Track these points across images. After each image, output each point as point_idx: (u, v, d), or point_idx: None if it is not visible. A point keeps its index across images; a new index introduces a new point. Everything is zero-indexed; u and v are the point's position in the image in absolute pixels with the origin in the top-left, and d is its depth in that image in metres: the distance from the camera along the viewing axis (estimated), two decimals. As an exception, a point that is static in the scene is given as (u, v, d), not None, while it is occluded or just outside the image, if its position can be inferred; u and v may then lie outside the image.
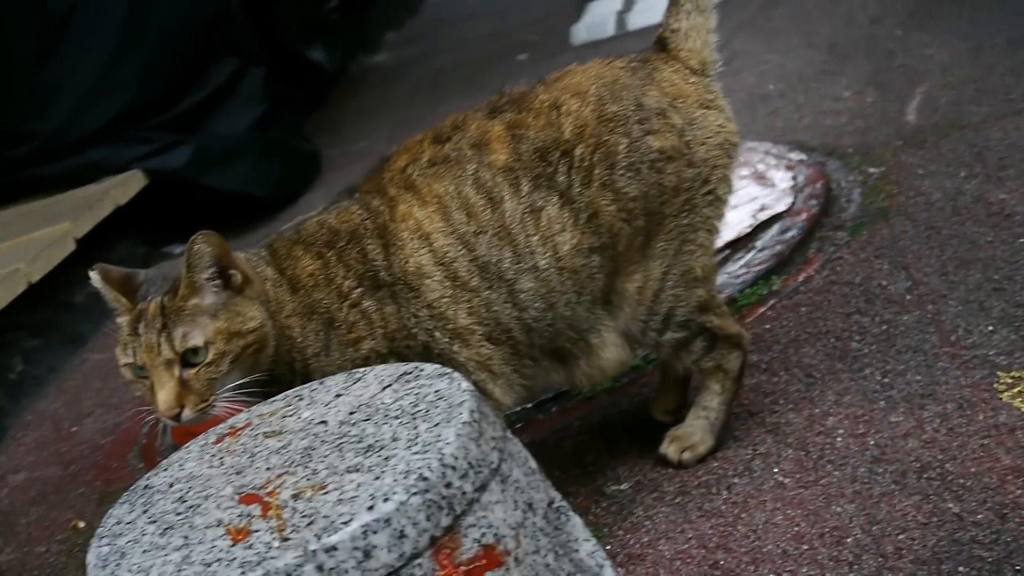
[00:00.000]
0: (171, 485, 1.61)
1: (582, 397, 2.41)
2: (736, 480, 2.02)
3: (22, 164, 4.01)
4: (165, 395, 1.78)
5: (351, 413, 1.61)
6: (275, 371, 1.86)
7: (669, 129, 1.88)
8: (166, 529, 1.51)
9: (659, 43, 2.00)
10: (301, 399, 1.70)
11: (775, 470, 2.02)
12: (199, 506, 1.53)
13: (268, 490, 1.51)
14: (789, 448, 2.06)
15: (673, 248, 1.89)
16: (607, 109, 1.90)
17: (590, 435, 2.31)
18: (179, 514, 1.53)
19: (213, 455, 1.64)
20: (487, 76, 5.12)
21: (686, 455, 2.05)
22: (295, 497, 1.46)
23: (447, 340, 1.89)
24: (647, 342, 1.97)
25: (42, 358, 3.42)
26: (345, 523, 1.38)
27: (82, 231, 3.55)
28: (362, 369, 1.72)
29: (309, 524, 1.40)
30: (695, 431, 2.04)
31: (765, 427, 2.11)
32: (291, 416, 1.66)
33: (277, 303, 1.87)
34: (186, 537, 1.47)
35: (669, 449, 2.07)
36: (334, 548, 1.36)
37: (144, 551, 1.47)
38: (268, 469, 1.55)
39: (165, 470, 1.65)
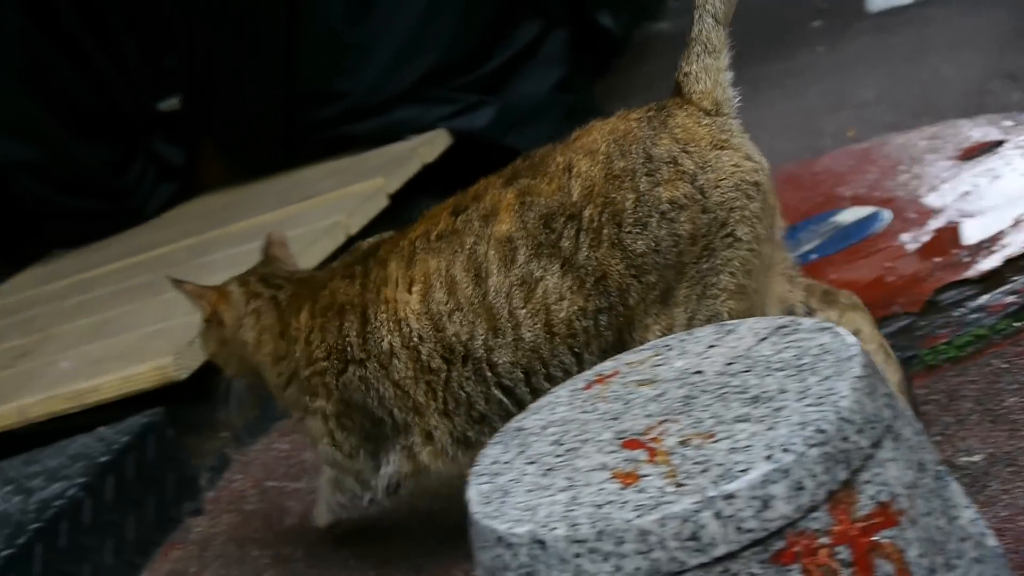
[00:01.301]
0: (544, 428, 1.62)
1: (925, 365, 2.33)
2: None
3: (334, 122, 4.12)
4: None
5: (728, 364, 1.59)
6: None
7: (680, 176, 1.83)
8: (547, 470, 1.51)
9: (676, 88, 1.95)
10: (670, 349, 1.68)
11: None
12: (578, 449, 1.53)
13: (651, 436, 1.50)
14: None
15: (696, 294, 1.85)
16: (615, 165, 1.87)
17: (936, 404, 2.23)
18: (558, 456, 1.54)
19: (584, 400, 1.65)
20: (780, 43, 5.01)
21: None
22: (682, 444, 1.45)
23: (403, 416, 2.04)
24: None
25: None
26: (743, 471, 1.35)
27: (394, 187, 3.63)
28: (734, 321, 1.69)
29: (703, 471, 1.38)
30: None
31: None
32: (662, 365, 1.65)
33: (257, 343, 2.16)
34: (570, 479, 1.47)
35: None
36: (732, 496, 1.34)
37: (528, 490, 1.48)
38: (647, 416, 1.54)
39: (535, 413, 1.67)
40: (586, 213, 1.88)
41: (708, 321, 1.84)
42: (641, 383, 1.63)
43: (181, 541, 2.60)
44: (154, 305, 3.21)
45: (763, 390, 1.50)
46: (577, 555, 1.38)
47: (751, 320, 1.68)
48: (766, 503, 1.34)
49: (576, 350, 1.93)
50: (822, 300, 1.99)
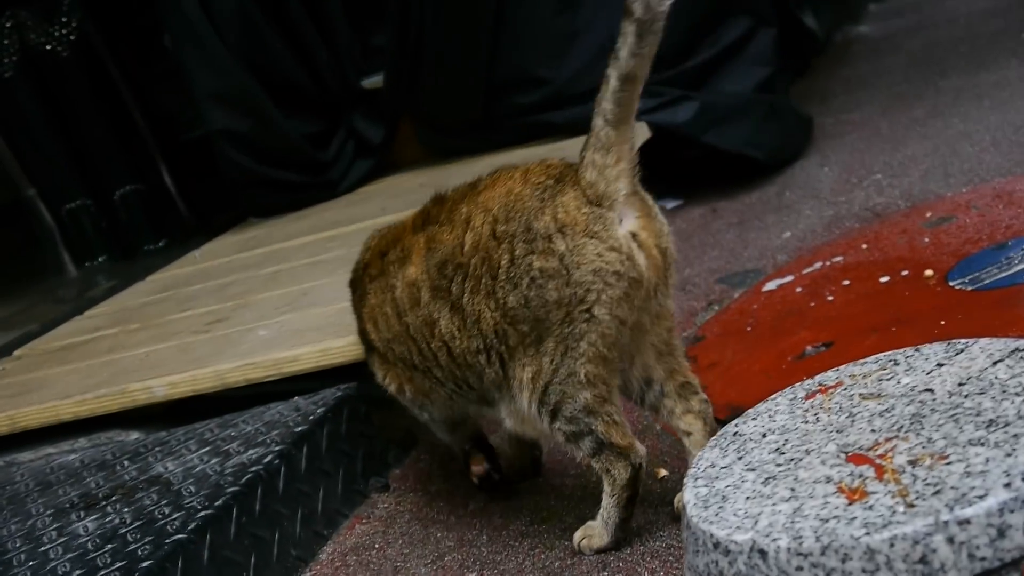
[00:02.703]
0: (764, 435, 1.60)
1: None
2: None
3: (534, 109, 4.14)
4: None
5: (960, 384, 1.54)
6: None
7: (551, 252, 1.98)
8: (767, 479, 1.49)
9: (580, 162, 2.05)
10: (896, 364, 1.64)
11: None
12: (800, 460, 1.51)
13: (878, 452, 1.46)
14: None
15: (560, 350, 2.00)
16: (499, 228, 2.04)
17: None
18: (779, 465, 1.51)
19: (806, 410, 1.62)
20: (989, 53, 4.87)
21: (583, 543, 2.15)
22: (912, 463, 1.41)
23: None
24: (543, 429, 2.10)
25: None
26: (979, 497, 1.31)
27: (591, 178, 3.61)
28: (964, 340, 1.64)
29: (935, 493, 1.34)
30: (596, 524, 2.15)
31: None
32: (888, 380, 1.61)
33: None
34: (792, 489, 1.45)
35: (576, 533, 2.17)
36: (967, 521, 1.30)
37: (747, 498, 1.46)
38: (873, 431, 1.51)
39: (754, 419, 1.64)
40: (472, 262, 2.08)
41: (569, 376, 2.01)
42: (866, 397, 1.60)
43: (367, 516, 2.63)
44: (351, 280, 3.26)
45: (999, 414, 1.45)
46: (799, 568, 1.35)
47: (984, 340, 1.63)
48: (1002, 532, 1.30)
49: (477, 375, 2.16)
50: (677, 390, 2.12)
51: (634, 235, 1.99)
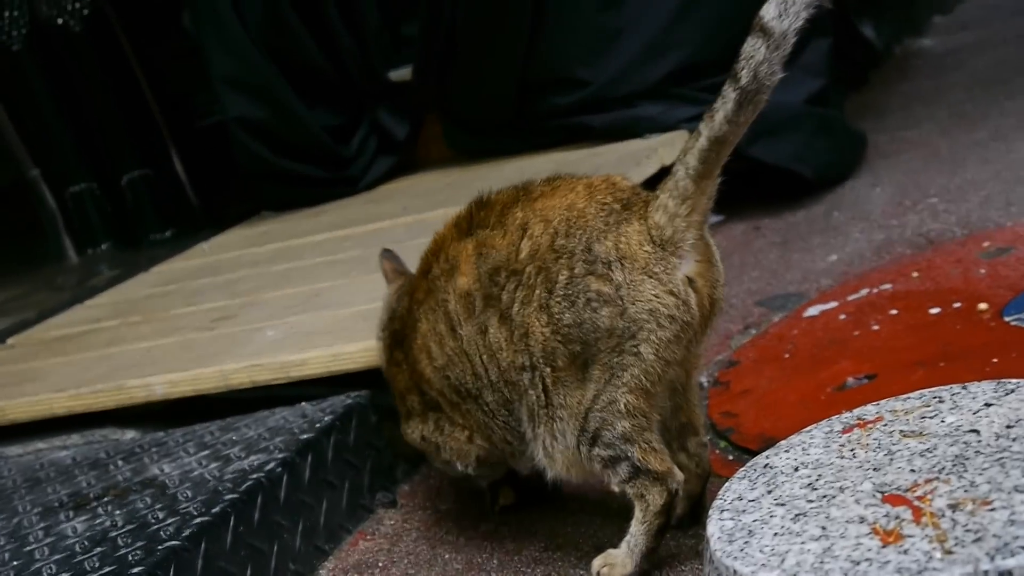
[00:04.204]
0: (796, 469, 1.61)
1: None
2: None
3: (571, 111, 4.15)
4: None
5: (1008, 427, 1.55)
6: None
7: (608, 281, 2.03)
8: (798, 515, 1.50)
9: (653, 193, 2.09)
10: (941, 401, 1.65)
11: None
12: (834, 497, 1.52)
13: (917, 494, 1.47)
14: None
15: (604, 378, 2.05)
16: (558, 242, 2.08)
17: None
18: (811, 501, 1.52)
19: (842, 445, 1.63)
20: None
21: (604, 571, 2.15)
22: (952, 507, 1.42)
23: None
24: (582, 456, 2.13)
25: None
26: (1022, 547, 1.31)
27: (629, 186, 3.63)
28: (1015, 380, 1.65)
29: (976, 540, 1.35)
30: (619, 552, 2.15)
31: None
32: (932, 418, 1.62)
33: None
34: (824, 528, 1.46)
35: (595, 561, 2.17)
36: (1009, 573, 1.30)
37: (775, 534, 1.47)
38: (912, 471, 1.52)
39: (786, 451, 1.65)
40: (527, 271, 2.11)
41: (610, 404, 2.05)
42: (907, 434, 1.60)
43: (371, 532, 2.64)
44: (367, 282, 3.27)
45: (1049, 460, 1.45)
46: (827, 612, 1.36)
47: (1036, 381, 1.64)
48: (1046, 585, 1.30)
49: (520, 395, 2.18)
50: (676, 428, 2.18)
51: (691, 280, 2.03)
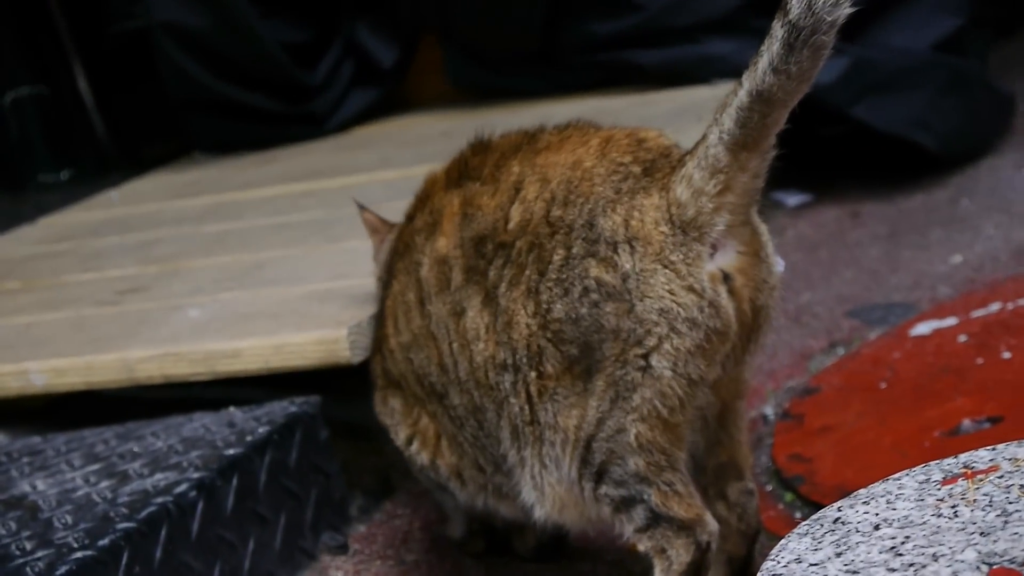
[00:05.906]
0: (876, 527, 1.64)
1: None
2: None
3: (614, 43, 4.17)
4: None
5: None
6: None
7: (612, 267, 2.02)
8: (874, 587, 1.53)
9: (681, 158, 2.06)
10: (1076, 449, 1.68)
11: None
12: (924, 567, 1.55)
13: (1035, 569, 1.50)
14: None
15: (610, 395, 2.06)
16: (554, 211, 2.10)
17: None
18: (893, 570, 1.56)
19: (940, 500, 1.66)
20: None
21: None
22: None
23: None
24: (585, 494, 2.13)
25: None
26: None
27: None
28: None
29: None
30: None
31: None
32: (1062, 470, 1.65)
33: None
34: (907, 607, 1.49)
35: None
36: None
37: (842, 611, 1.51)
38: (1031, 538, 1.55)
39: (865, 503, 1.68)
40: (517, 245, 2.13)
41: (617, 432, 2.05)
42: (1029, 490, 1.63)
43: (312, 586, 2.68)
44: (328, 253, 3.30)
45: None
46: None
47: None
48: None
49: (496, 409, 2.20)
50: (714, 468, 2.20)
51: (726, 276, 2.01)
